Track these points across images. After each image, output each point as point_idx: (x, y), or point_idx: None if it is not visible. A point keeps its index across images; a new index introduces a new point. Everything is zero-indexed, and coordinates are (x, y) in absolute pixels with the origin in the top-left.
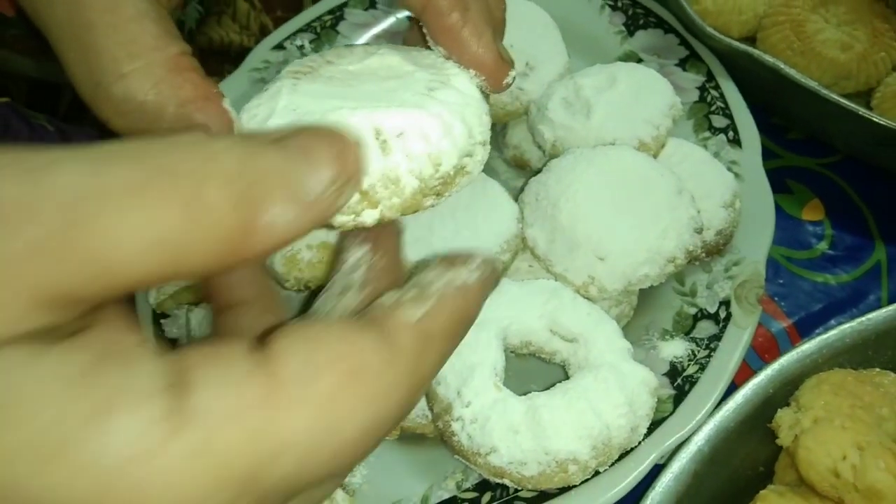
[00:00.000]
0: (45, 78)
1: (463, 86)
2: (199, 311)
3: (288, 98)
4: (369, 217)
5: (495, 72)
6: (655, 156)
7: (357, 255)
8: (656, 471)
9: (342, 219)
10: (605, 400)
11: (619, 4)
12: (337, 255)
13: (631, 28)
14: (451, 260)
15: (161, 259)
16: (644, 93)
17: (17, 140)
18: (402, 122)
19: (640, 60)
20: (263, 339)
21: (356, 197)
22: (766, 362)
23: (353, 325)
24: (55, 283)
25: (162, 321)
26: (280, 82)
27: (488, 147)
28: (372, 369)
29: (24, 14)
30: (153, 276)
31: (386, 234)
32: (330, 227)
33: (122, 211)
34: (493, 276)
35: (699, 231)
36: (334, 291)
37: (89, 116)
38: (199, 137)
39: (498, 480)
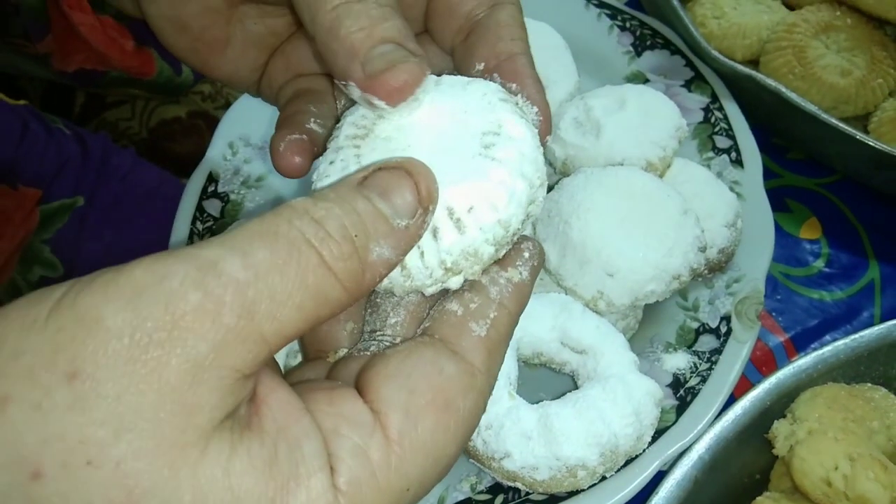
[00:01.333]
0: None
1: (516, 132)
2: None
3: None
4: (455, 283)
5: (549, 121)
6: (662, 175)
7: None
8: (659, 476)
9: (431, 289)
10: (614, 410)
11: (628, 25)
12: None
13: (639, 49)
14: (503, 258)
15: (313, 320)
16: (652, 115)
17: (36, 143)
18: (469, 197)
19: (646, 80)
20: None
21: (441, 271)
22: (764, 375)
23: (435, 360)
24: (243, 364)
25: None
26: (343, 153)
27: (546, 184)
28: (458, 397)
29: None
30: (303, 332)
31: None
32: (422, 293)
33: (271, 296)
34: (541, 260)
35: (703, 250)
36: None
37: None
38: (302, 208)
39: (510, 484)
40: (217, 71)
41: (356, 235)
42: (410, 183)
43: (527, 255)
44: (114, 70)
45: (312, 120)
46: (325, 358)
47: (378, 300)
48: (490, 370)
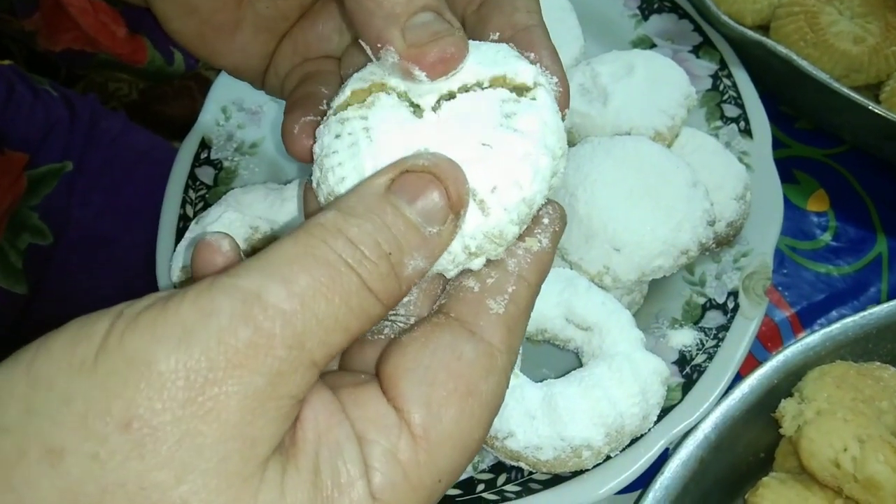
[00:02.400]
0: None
1: (540, 98)
2: None
3: (370, 154)
4: (477, 265)
5: (567, 92)
6: (670, 146)
7: None
8: (665, 455)
9: (453, 272)
10: (620, 389)
11: None
12: None
13: (646, 12)
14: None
15: (357, 336)
16: (660, 82)
17: (22, 105)
18: (493, 176)
19: (653, 45)
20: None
21: (464, 255)
22: (769, 351)
23: (453, 344)
24: (297, 391)
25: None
26: (350, 124)
27: (567, 153)
28: (480, 382)
29: None
30: (354, 338)
31: None
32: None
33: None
34: (562, 224)
35: (712, 223)
36: None
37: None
38: (335, 227)
39: (513, 463)
40: (225, 58)
41: (390, 253)
42: (440, 188)
43: (546, 220)
44: (103, 53)
45: (325, 102)
46: None
47: None
48: (511, 347)
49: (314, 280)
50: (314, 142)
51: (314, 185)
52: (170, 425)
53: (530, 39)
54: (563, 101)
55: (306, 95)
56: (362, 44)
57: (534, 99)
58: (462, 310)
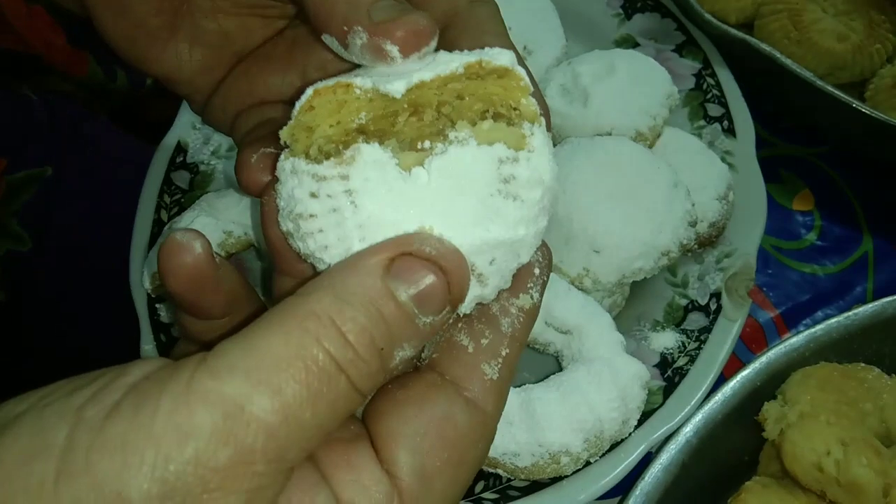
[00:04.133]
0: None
1: (537, 146)
2: None
3: (356, 224)
4: (466, 310)
5: (548, 118)
6: (651, 146)
7: None
8: (646, 459)
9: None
10: (599, 394)
11: None
12: None
13: (629, 11)
14: (513, 281)
15: (336, 429)
16: (642, 82)
17: (1, 109)
18: (493, 252)
19: (636, 44)
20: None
21: (455, 316)
22: (753, 352)
23: (449, 411)
24: (274, 496)
25: (157, 306)
26: (329, 185)
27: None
28: (471, 450)
29: None
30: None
31: None
32: None
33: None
34: (549, 271)
35: (693, 224)
36: None
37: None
38: (328, 318)
39: (491, 470)
40: (156, 66)
41: (383, 348)
42: (443, 281)
43: (537, 272)
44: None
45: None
46: None
47: None
48: (500, 411)
49: (302, 388)
50: (271, 177)
51: (285, 233)
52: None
53: None
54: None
55: (264, 136)
56: (326, 40)
57: (531, 151)
58: (457, 372)
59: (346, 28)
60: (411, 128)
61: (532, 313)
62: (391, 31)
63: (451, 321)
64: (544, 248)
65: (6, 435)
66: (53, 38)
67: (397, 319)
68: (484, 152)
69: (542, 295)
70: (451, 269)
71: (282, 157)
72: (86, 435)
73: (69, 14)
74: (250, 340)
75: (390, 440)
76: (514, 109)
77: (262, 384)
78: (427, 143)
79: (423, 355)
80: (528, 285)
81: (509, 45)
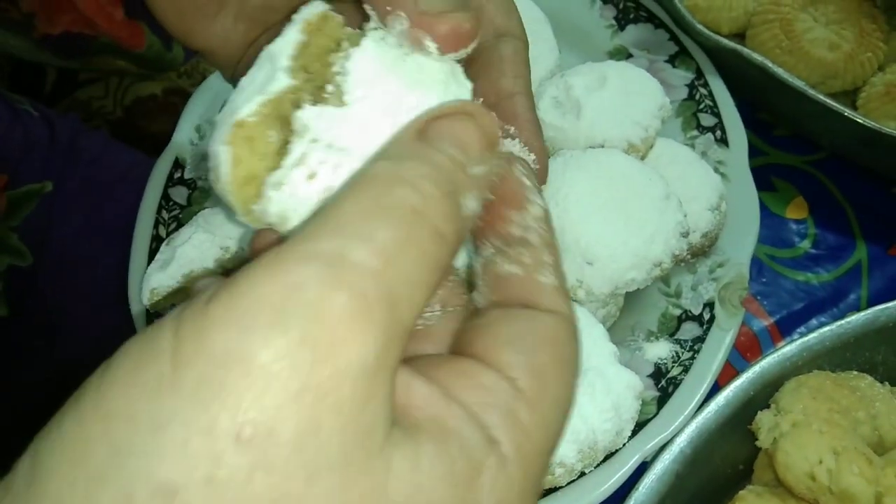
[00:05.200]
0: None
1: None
2: None
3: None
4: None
5: (545, 169)
6: (644, 157)
7: None
8: (641, 469)
9: None
10: (592, 405)
11: None
12: None
13: (622, 22)
14: (512, 198)
15: (434, 292)
16: (634, 93)
17: (1, 125)
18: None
19: (630, 55)
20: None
21: None
22: (748, 361)
23: (534, 318)
24: (396, 361)
25: (156, 322)
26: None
27: None
28: (568, 349)
29: None
30: (433, 294)
31: None
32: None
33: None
34: (543, 175)
35: (685, 235)
36: None
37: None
38: (392, 173)
39: None
40: (202, 41)
41: (451, 191)
42: (473, 125)
43: (527, 182)
44: (102, 36)
45: None
46: None
47: None
48: (573, 311)
49: (392, 232)
50: None
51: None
52: (286, 427)
53: (514, 110)
54: (542, 177)
55: None
56: (367, 8)
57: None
58: (521, 294)
59: (389, 8)
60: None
61: (546, 217)
62: (434, 27)
63: (501, 172)
64: (518, 159)
65: (111, 362)
66: (112, 12)
67: (450, 167)
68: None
69: (543, 198)
70: (474, 112)
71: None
72: (192, 323)
73: None
74: (324, 211)
75: (495, 349)
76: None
77: (353, 234)
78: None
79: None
80: (527, 196)
81: (524, 89)
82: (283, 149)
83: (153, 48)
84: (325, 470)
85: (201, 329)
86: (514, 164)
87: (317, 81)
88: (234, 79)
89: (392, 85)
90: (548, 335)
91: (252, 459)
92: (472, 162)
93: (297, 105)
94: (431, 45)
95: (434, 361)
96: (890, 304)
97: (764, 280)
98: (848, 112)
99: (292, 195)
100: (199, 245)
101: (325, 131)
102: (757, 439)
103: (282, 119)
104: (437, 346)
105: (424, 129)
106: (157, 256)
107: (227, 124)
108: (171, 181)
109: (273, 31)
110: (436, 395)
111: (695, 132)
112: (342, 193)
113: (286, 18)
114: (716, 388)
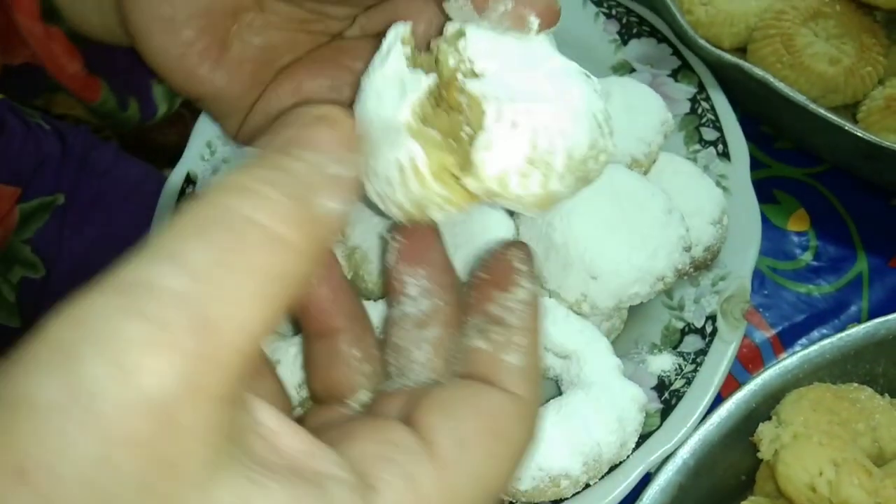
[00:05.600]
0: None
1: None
2: None
3: None
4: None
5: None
6: (646, 172)
7: (416, 281)
8: (645, 480)
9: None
10: (597, 418)
11: (614, 13)
12: (390, 282)
13: (625, 37)
14: (500, 280)
15: (281, 304)
16: (637, 109)
17: (13, 139)
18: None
19: (633, 70)
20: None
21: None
22: (750, 372)
23: (479, 392)
24: (219, 387)
25: None
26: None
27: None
28: (510, 426)
29: None
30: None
31: (429, 247)
32: (440, 327)
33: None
34: (532, 262)
35: (688, 249)
36: (410, 324)
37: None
38: (225, 182)
39: None
40: (205, 86)
41: (293, 192)
42: (328, 128)
43: (517, 265)
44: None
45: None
46: (343, 400)
47: (395, 340)
48: (535, 396)
49: (206, 246)
50: None
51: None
52: (70, 459)
53: None
54: (549, 18)
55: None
56: (450, 5)
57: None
58: (480, 369)
59: None
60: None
61: (532, 303)
62: (535, 3)
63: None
64: (520, 244)
65: None
66: (68, 64)
67: (301, 167)
68: None
69: (535, 285)
70: (327, 115)
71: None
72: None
73: (86, 41)
74: (153, 236)
75: (420, 411)
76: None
77: (157, 256)
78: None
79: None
80: (517, 280)
81: None
82: (452, 132)
83: (107, 104)
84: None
85: (4, 370)
86: (510, 250)
87: (445, 74)
88: (242, 129)
89: (511, 48)
90: (486, 408)
91: (34, 498)
92: (329, 162)
93: (437, 98)
94: (535, 22)
95: (356, 418)
96: (890, 317)
97: (766, 292)
98: (848, 126)
99: (505, 149)
100: None
101: (495, 92)
102: (759, 451)
103: (435, 110)
104: None
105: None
106: None
107: (391, 130)
108: (182, 196)
109: (291, 80)
110: (305, 440)
111: (697, 146)
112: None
113: (292, 59)
114: (718, 400)
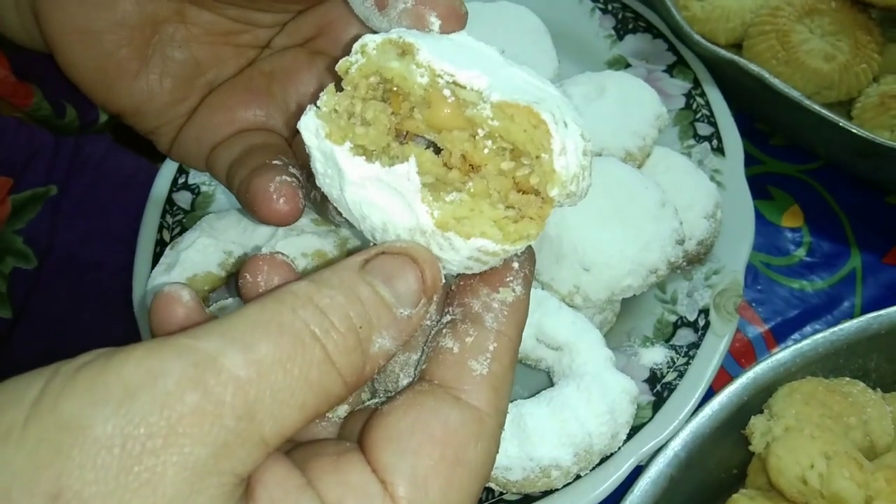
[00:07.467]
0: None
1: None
2: None
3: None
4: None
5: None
6: (641, 165)
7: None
8: (636, 472)
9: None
10: (588, 409)
11: (610, 8)
12: None
13: (620, 32)
14: (492, 275)
15: (313, 416)
16: (632, 103)
17: (6, 130)
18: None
19: (628, 65)
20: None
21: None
22: (743, 367)
23: (437, 410)
24: (242, 468)
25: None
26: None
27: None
28: (468, 448)
29: None
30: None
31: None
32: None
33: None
34: (532, 267)
35: (681, 242)
36: None
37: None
38: (306, 295)
39: None
40: (124, 99)
41: (360, 327)
42: (416, 270)
43: (516, 265)
44: None
45: (290, 167)
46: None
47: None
48: (498, 409)
49: (275, 348)
50: (291, 205)
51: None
52: (100, 498)
53: None
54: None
55: (265, 164)
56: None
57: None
58: (444, 374)
59: None
60: (436, 165)
61: (517, 307)
62: (435, 4)
63: (431, 318)
64: (527, 250)
65: None
66: None
67: (374, 303)
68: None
69: (526, 289)
70: (420, 258)
71: (312, 113)
72: (59, 383)
73: (14, 46)
74: (227, 315)
75: (378, 447)
76: (536, 158)
77: (235, 341)
78: (451, 196)
79: (415, 371)
80: (508, 279)
81: None
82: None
83: (41, 110)
84: None
85: (62, 391)
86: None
87: (416, 92)
88: (174, 146)
89: (446, 46)
90: (442, 434)
91: None
92: (402, 304)
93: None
94: (435, 23)
95: (323, 450)
96: (882, 312)
97: (759, 287)
98: (843, 122)
99: (572, 149)
100: (203, 249)
101: (499, 92)
102: (750, 444)
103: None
104: None
105: (366, 263)
106: (162, 260)
107: (424, 236)
108: (175, 186)
109: (225, 111)
110: (290, 485)
111: (692, 141)
112: (254, 301)
113: (216, 74)
114: (710, 394)
